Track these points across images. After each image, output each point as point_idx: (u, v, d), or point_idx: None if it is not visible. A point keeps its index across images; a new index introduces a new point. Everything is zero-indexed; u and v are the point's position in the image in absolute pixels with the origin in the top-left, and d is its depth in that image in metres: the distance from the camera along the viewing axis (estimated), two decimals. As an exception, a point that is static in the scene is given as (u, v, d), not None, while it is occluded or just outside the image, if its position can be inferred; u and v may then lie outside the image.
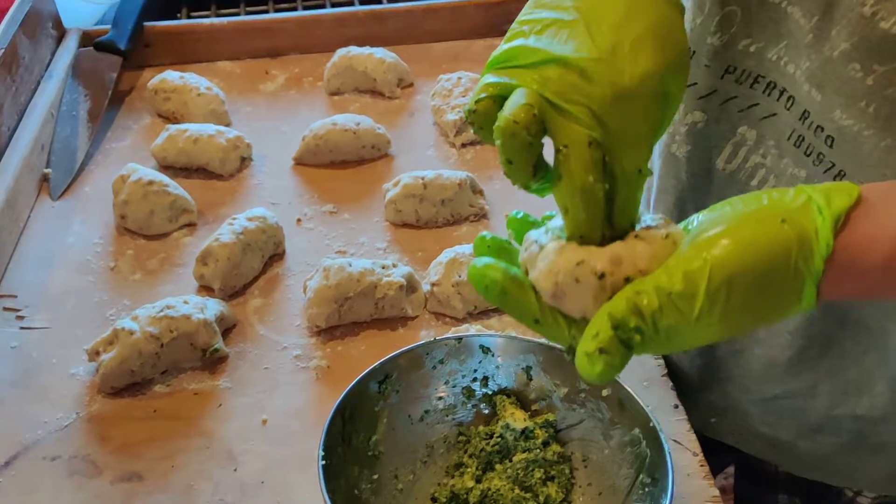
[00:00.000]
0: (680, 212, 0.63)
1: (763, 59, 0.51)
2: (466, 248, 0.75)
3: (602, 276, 0.39)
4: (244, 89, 1.03)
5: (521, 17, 0.43)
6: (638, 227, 0.41)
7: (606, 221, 0.40)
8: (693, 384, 0.72)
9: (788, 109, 0.52)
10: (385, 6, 1.11)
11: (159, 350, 0.67)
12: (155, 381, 0.69)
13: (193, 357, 0.69)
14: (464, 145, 0.93)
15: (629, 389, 0.56)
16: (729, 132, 0.56)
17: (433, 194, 0.82)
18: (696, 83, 0.55)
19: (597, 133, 0.38)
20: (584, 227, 0.40)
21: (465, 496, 0.57)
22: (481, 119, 0.41)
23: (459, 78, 0.97)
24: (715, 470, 0.94)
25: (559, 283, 0.40)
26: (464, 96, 0.95)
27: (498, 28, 1.08)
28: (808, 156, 0.52)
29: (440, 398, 0.61)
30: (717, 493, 0.61)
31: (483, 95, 0.41)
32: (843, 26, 0.46)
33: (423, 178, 0.83)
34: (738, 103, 0.54)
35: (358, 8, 1.11)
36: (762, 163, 0.55)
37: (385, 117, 0.97)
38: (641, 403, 0.55)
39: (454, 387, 0.61)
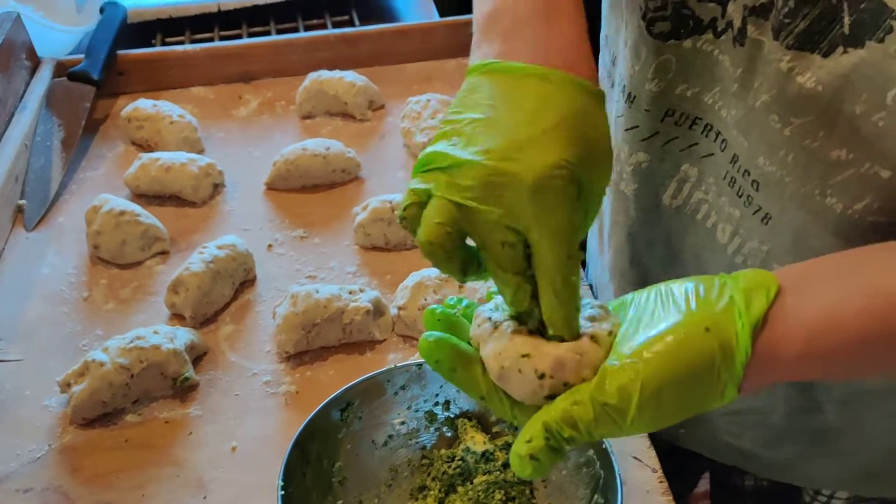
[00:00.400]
0: (632, 245, 0.64)
1: (700, 102, 0.53)
2: (433, 272, 0.77)
3: (542, 377, 0.41)
4: (217, 115, 1.04)
5: (445, 116, 0.45)
6: (581, 317, 0.42)
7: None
8: None
9: (722, 151, 0.54)
10: (356, 29, 1.13)
11: (129, 381, 0.68)
12: (126, 411, 0.70)
13: (164, 386, 0.71)
14: (433, 167, 0.95)
15: None
16: (672, 170, 0.57)
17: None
18: (637, 126, 0.56)
19: (510, 235, 0.41)
20: (517, 310, 0.43)
21: None
22: (411, 224, 0.44)
23: (429, 100, 0.98)
24: (692, 477, 0.96)
25: (504, 367, 0.42)
26: (433, 118, 0.97)
27: (468, 48, 1.10)
28: (740, 197, 0.53)
29: (403, 423, 0.62)
30: (665, 486, 0.62)
31: (408, 203, 0.43)
32: (764, 79, 0.48)
33: (391, 202, 0.84)
34: (679, 143, 0.56)
35: (329, 31, 1.12)
36: (705, 198, 0.57)
37: (356, 140, 0.98)
38: None
39: (416, 411, 0.63)
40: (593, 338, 0.42)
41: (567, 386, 0.41)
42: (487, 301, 0.46)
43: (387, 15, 1.27)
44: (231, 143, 1.00)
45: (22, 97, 0.99)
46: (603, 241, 0.71)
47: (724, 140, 0.53)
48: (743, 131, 0.50)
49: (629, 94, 0.55)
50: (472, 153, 0.41)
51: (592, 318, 0.43)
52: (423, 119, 0.97)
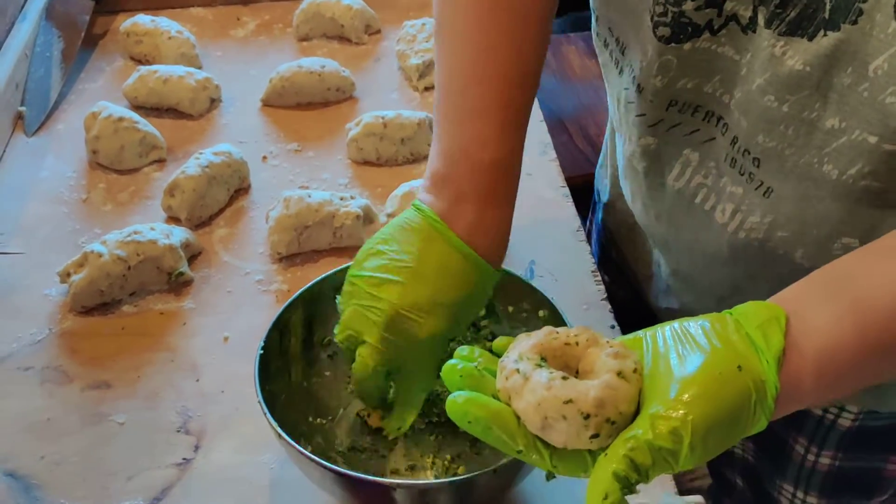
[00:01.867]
0: (646, 213, 0.68)
1: (700, 92, 0.57)
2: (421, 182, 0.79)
3: (587, 417, 0.43)
4: (215, 35, 1.06)
5: (380, 236, 0.57)
6: (603, 354, 0.45)
7: None
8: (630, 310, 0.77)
9: (723, 135, 0.57)
10: (355, -45, 1.13)
11: (126, 272, 0.71)
12: (123, 302, 0.73)
13: (160, 280, 0.73)
14: (427, 89, 0.97)
15: (561, 311, 0.60)
16: (676, 153, 0.61)
17: (393, 133, 0.86)
18: (645, 114, 0.60)
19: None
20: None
21: None
22: (348, 353, 0.57)
23: (424, 24, 1.00)
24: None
25: (548, 417, 0.43)
26: (427, 42, 0.98)
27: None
28: (742, 175, 0.57)
29: None
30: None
31: (342, 336, 0.56)
32: (759, 64, 0.52)
33: (383, 118, 0.86)
34: (683, 129, 0.60)
35: (328, -44, 1.13)
36: (704, 183, 0.61)
37: (351, 62, 1.00)
38: (567, 320, 0.59)
39: None
40: (620, 374, 0.44)
41: (609, 422, 0.43)
42: (502, 348, 0.48)
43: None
44: (228, 61, 1.01)
45: (22, 8, 1.00)
46: (601, 202, 0.76)
47: (724, 124, 0.57)
48: (743, 112, 0.54)
49: (639, 86, 0.59)
50: (387, 296, 0.54)
51: (614, 356, 0.45)
52: (419, 42, 0.98)
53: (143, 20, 1.00)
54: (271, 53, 1.03)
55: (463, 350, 0.47)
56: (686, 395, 0.41)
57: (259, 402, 0.55)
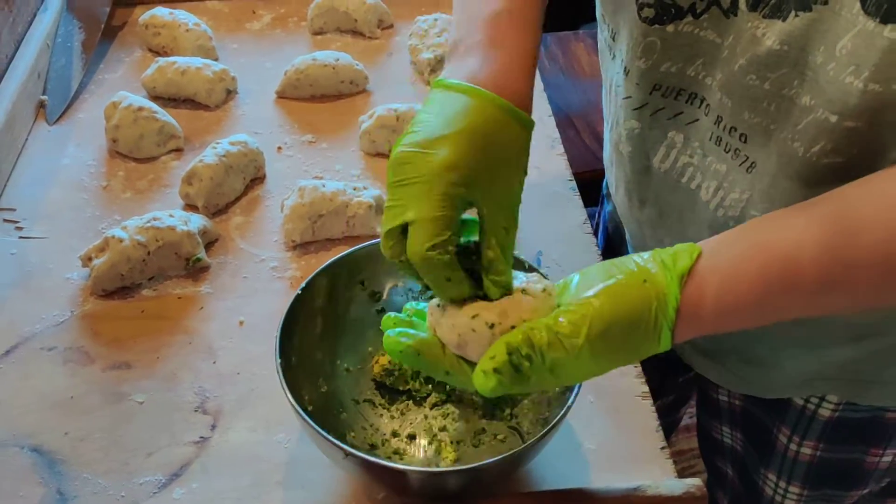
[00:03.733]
0: (629, 201, 0.70)
1: (683, 76, 0.59)
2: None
3: (492, 326, 0.48)
4: (231, 27, 1.08)
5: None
6: (519, 283, 0.50)
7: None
8: None
9: (707, 115, 0.60)
10: (369, -49, 1.15)
11: (146, 257, 0.74)
12: (143, 286, 0.75)
13: (178, 265, 0.76)
14: (438, 83, 0.99)
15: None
16: (661, 136, 0.63)
17: (406, 126, 0.88)
18: (630, 97, 0.63)
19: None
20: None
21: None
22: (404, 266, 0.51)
23: (436, 19, 1.02)
24: (680, 399, 1.00)
25: (461, 334, 0.49)
26: (439, 37, 1.00)
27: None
28: (727, 152, 0.59)
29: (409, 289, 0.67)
30: (646, 389, 0.68)
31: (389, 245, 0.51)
32: (739, 45, 0.54)
33: (396, 111, 0.88)
34: (666, 113, 0.62)
35: (342, -49, 1.15)
36: (690, 162, 0.63)
37: (365, 56, 1.02)
38: None
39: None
40: (525, 291, 0.49)
41: (513, 328, 0.48)
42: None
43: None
44: (244, 53, 1.04)
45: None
46: (608, 195, 0.76)
47: (707, 105, 0.59)
48: (727, 93, 0.56)
49: (625, 69, 0.62)
50: (407, 144, 0.51)
51: (525, 282, 0.51)
52: (431, 37, 1.00)
53: (161, 12, 1.02)
54: (286, 46, 1.05)
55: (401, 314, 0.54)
56: (591, 298, 0.47)
57: (277, 369, 0.57)
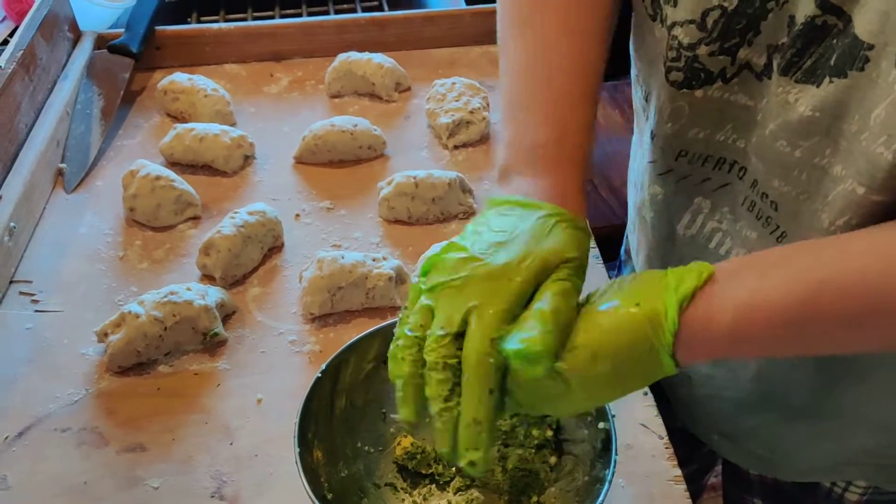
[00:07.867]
0: (650, 267, 0.68)
1: (711, 142, 0.57)
2: (453, 243, 0.80)
3: None
4: (249, 91, 1.08)
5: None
6: None
7: None
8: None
9: (741, 179, 0.58)
10: (386, 13, 1.16)
11: (163, 333, 0.72)
12: (159, 362, 0.74)
13: (195, 340, 0.74)
14: (456, 147, 0.98)
15: None
16: (686, 202, 0.62)
17: (424, 192, 0.87)
18: (655, 161, 0.61)
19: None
20: None
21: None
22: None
23: (454, 83, 1.01)
24: (705, 467, 0.98)
25: None
26: (457, 101, 1.00)
27: (493, 36, 1.13)
28: (759, 219, 0.58)
29: None
30: (678, 472, 0.65)
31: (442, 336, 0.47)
32: (770, 109, 0.52)
33: (414, 178, 0.88)
34: (692, 180, 0.60)
35: (359, 15, 1.16)
36: (718, 227, 0.61)
37: (382, 119, 1.02)
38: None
39: None
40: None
41: None
42: None
43: (415, 1, 1.30)
44: (262, 118, 1.04)
45: (64, 67, 1.03)
46: (631, 259, 0.75)
47: (742, 168, 0.57)
48: (760, 156, 0.55)
49: (652, 133, 0.60)
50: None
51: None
52: (448, 101, 1.00)
53: (180, 78, 1.02)
54: (304, 110, 1.05)
55: None
56: (581, 336, 0.45)
57: (295, 458, 0.55)
